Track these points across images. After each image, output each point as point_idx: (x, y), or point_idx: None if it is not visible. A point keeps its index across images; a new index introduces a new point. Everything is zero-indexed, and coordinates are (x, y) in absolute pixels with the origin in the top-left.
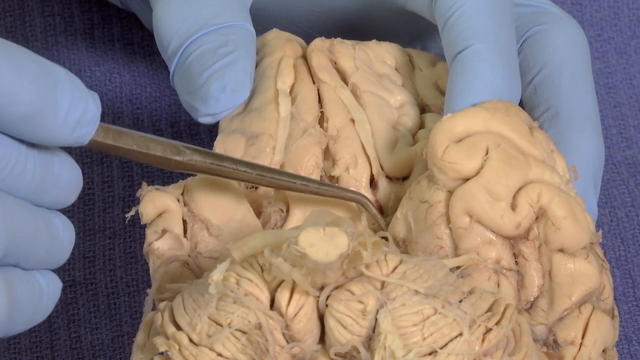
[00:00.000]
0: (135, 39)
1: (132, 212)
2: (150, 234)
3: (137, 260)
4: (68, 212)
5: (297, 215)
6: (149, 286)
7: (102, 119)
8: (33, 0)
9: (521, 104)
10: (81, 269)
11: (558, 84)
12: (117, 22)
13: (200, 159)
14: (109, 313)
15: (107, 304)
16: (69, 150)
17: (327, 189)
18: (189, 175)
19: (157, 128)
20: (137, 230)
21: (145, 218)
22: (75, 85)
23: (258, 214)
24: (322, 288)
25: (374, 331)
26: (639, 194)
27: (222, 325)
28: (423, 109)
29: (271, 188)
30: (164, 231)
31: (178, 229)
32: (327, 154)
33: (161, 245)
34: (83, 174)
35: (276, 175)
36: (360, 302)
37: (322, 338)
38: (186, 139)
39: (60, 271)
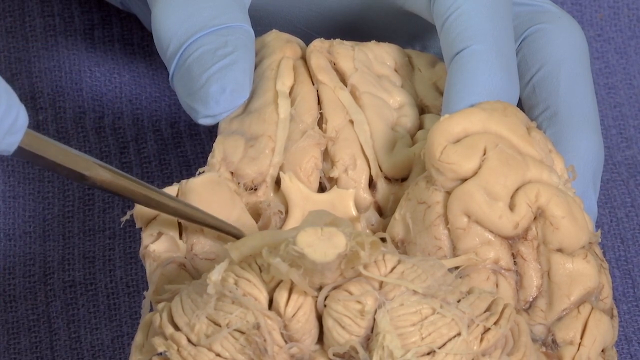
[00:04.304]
0: (135, 39)
1: (127, 217)
2: (145, 237)
3: (137, 261)
4: (68, 212)
5: (296, 217)
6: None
7: (102, 119)
8: (33, 0)
9: (520, 104)
10: (81, 269)
11: (557, 83)
12: (117, 23)
13: (108, 177)
14: (109, 313)
15: (107, 304)
16: None
17: (211, 220)
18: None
19: (157, 128)
20: (136, 230)
21: (139, 222)
22: (9, 94)
23: (257, 216)
24: (320, 288)
25: (372, 331)
26: (639, 194)
27: (220, 326)
28: (422, 110)
29: (170, 215)
30: (160, 234)
31: (173, 231)
32: (326, 155)
33: (157, 248)
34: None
35: (176, 203)
36: (359, 302)
37: (321, 338)
38: (186, 139)
39: (60, 271)
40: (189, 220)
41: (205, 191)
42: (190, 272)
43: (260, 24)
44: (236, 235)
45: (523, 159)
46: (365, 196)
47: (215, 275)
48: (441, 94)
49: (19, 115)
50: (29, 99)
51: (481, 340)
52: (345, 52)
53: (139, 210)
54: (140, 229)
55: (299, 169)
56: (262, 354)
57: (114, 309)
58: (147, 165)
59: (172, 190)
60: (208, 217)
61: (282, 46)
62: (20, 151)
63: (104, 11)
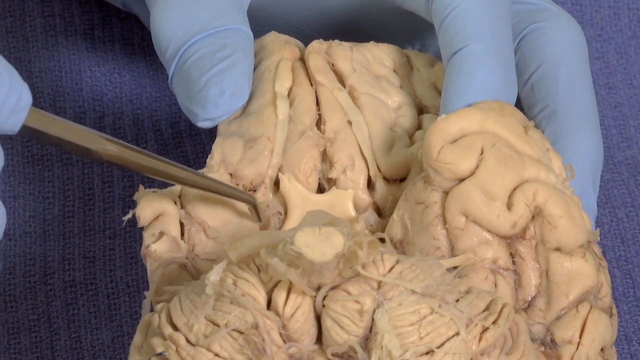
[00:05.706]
0: (135, 39)
1: (129, 215)
2: (147, 237)
3: (137, 261)
4: (68, 212)
5: (295, 218)
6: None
7: (103, 119)
8: (33, 0)
9: (518, 102)
10: (81, 269)
11: (555, 81)
12: (117, 23)
13: (115, 151)
14: (109, 313)
15: (107, 304)
16: None
17: (220, 187)
18: None
19: (157, 128)
20: (137, 230)
21: (142, 221)
22: (12, 74)
23: None
24: (318, 288)
25: (370, 331)
26: (639, 194)
27: (219, 326)
28: (421, 110)
29: (181, 184)
30: (161, 234)
31: (175, 231)
32: (325, 156)
33: (158, 248)
34: (83, 174)
35: (186, 173)
36: (357, 302)
37: (319, 338)
38: (186, 139)
39: (61, 271)
40: (200, 188)
41: None
42: (191, 272)
43: (260, 24)
44: (248, 201)
45: (520, 158)
46: (364, 197)
47: (213, 276)
48: (440, 94)
49: (22, 94)
50: None
51: (480, 339)
52: (344, 53)
53: (141, 209)
54: (142, 228)
55: (297, 170)
56: (261, 354)
57: (114, 309)
58: None
59: (174, 190)
60: (219, 184)
61: (281, 48)
62: (25, 130)
63: (104, 11)
